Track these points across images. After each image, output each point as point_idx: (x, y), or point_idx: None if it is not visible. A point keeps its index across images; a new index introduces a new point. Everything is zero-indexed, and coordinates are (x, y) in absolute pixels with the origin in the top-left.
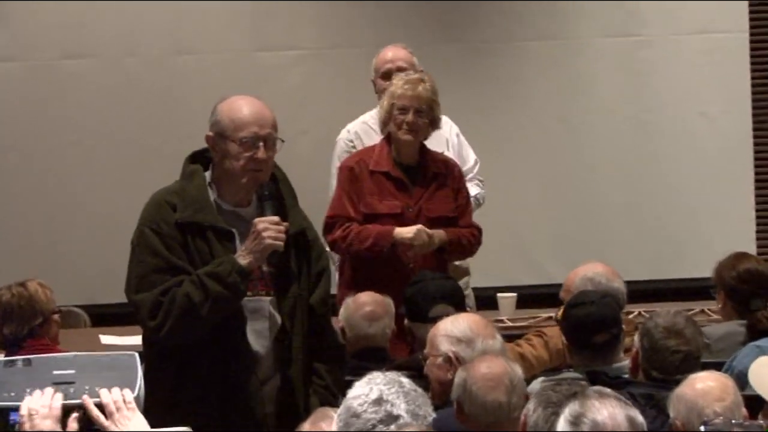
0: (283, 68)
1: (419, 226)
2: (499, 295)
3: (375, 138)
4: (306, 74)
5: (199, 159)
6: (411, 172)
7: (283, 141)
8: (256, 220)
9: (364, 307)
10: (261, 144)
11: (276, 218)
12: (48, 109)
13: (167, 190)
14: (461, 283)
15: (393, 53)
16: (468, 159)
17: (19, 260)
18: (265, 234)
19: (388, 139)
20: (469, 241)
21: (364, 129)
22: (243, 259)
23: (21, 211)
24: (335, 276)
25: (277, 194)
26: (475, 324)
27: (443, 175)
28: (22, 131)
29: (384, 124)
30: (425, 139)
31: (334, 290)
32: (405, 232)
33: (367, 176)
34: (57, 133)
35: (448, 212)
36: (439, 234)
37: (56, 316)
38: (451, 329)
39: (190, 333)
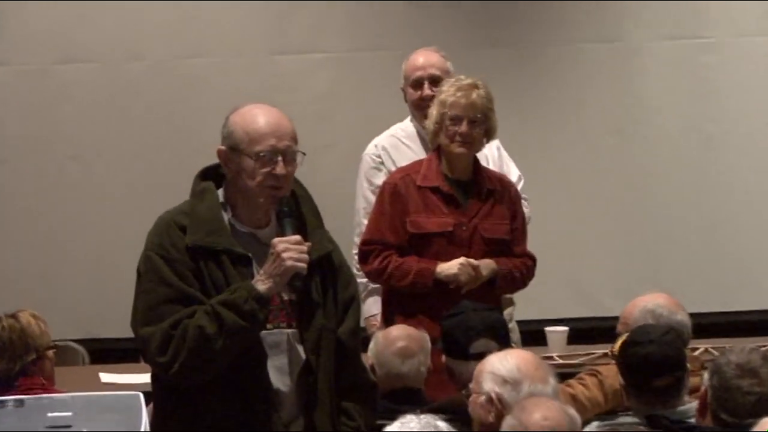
0: (305, 73)
1: (462, 259)
2: (547, 329)
3: (405, 152)
4: (331, 80)
5: (211, 175)
6: (463, 187)
7: (304, 154)
8: (275, 240)
9: (396, 343)
10: (279, 158)
11: (297, 237)
12: (42, 120)
13: (176, 211)
14: (504, 314)
15: (425, 58)
16: (510, 175)
17: (8, 290)
18: (285, 255)
19: (438, 151)
20: (522, 274)
21: (392, 143)
22: (261, 284)
23: (11, 235)
24: (365, 305)
25: (297, 213)
26: (526, 364)
27: (499, 193)
28: (13, 144)
29: (434, 135)
30: (479, 151)
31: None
32: (448, 268)
33: (413, 193)
34: (52, 146)
35: (504, 234)
36: (487, 266)
37: (51, 352)
38: (498, 367)
39: (205, 369)
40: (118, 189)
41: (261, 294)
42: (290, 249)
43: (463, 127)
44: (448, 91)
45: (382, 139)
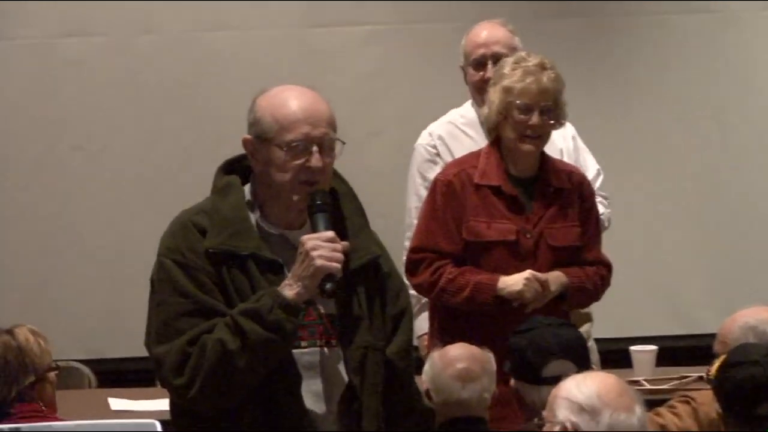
0: (347, 49)
1: (528, 273)
2: (633, 348)
3: (465, 142)
4: (377, 57)
5: (235, 169)
6: (527, 186)
7: (344, 143)
8: (304, 237)
9: (456, 364)
10: (315, 148)
11: (329, 233)
12: (39, 104)
13: (195, 210)
14: (581, 332)
15: (488, 33)
16: (587, 168)
17: (2, 302)
18: (315, 254)
19: (497, 143)
20: (596, 285)
21: (450, 131)
22: (289, 289)
23: (3, 238)
24: (418, 321)
25: (338, 212)
26: (607, 390)
27: (568, 191)
28: (5, 132)
29: (494, 126)
30: (549, 139)
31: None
32: (512, 283)
33: (471, 192)
34: (52, 134)
35: (575, 241)
36: (556, 280)
37: (53, 375)
38: (575, 392)
39: (228, 392)
40: (128, 185)
41: (288, 301)
42: (321, 246)
43: (535, 119)
44: (512, 76)
45: (437, 127)
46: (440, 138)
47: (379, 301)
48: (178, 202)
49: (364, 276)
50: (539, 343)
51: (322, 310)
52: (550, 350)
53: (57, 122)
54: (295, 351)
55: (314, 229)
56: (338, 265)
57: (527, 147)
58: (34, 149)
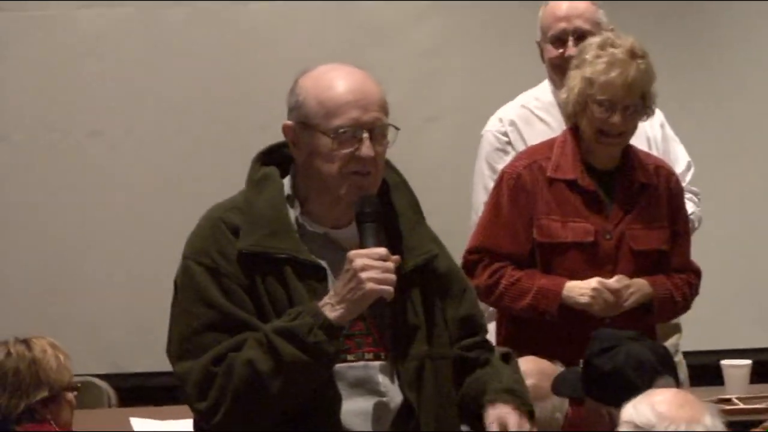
0: (403, 24)
1: (595, 282)
2: (724, 362)
3: (540, 129)
4: (437, 32)
5: (274, 159)
6: (608, 180)
7: (398, 129)
8: (352, 253)
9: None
10: (365, 135)
11: (381, 251)
12: (54, 84)
13: (226, 206)
14: (668, 345)
15: (569, 5)
16: (677, 161)
17: (10, 309)
18: (364, 275)
19: (574, 130)
20: (685, 296)
21: (523, 116)
22: (331, 309)
23: (14, 237)
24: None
25: (390, 206)
26: (667, 404)
27: (654, 187)
28: (17, 116)
29: (572, 115)
30: (633, 134)
31: None
32: (579, 293)
33: (542, 187)
34: (68, 119)
35: (661, 244)
36: (640, 290)
37: (71, 395)
38: (633, 414)
39: (257, 419)
40: (152, 176)
41: (331, 322)
42: (372, 267)
43: (617, 117)
44: (595, 65)
45: (509, 112)
46: (512, 124)
47: (439, 305)
48: (209, 196)
49: (420, 278)
50: (641, 361)
51: (371, 320)
52: (655, 367)
53: (73, 105)
54: (339, 366)
55: (362, 242)
56: (390, 289)
57: (607, 148)
58: (47, 135)
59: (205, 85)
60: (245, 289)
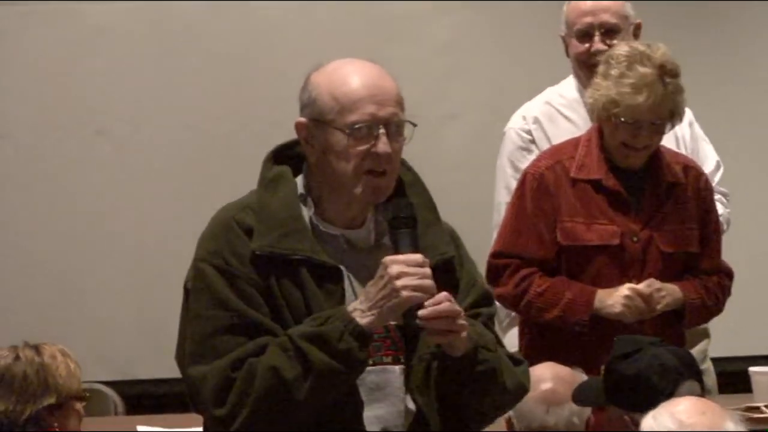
0: (421, 18)
1: (626, 290)
2: (752, 369)
3: (565, 127)
4: (456, 27)
5: (286, 157)
6: (634, 180)
7: (414, 125)
8: (388, 259)
9: (540, 385)
10: (381, 131)
11: (417, 257)
12: (61, 80)
13: (238, 206)
14: (696, 351)
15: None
16: (705, 160)
17: (13, 314)
18: (400, 283)
19: (599, 130)
20: (717, 300)
21: (547, 113)
22: (361, 315)
23: (17, 240)
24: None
25: (400, 199)
26: (687, 412)
27: (683, 187)
28: (20, 114)
29: (596, 120)
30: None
31: None
32: (611, 303)
33: (567, 188)
34: (74, 117)
35: (691, 246)
36: (671, 295)
37: (80, 405)
38: (652, 423)
39: (278, 427)
40: (162, 176)
41: (362, 329)
42: (407, 274)
43: (643, 136)
44: (621, 85)
45: (533, 109)
46: (536, 121)
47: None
48: (219, 197)
49: (434, 280)
50: (665, 365)
51: (391, 322)
52: (679, 371)
53: (78, 102)
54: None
55: (396, 249)
56: (427, 296)
57: (631, 160)
58: (51, 134)
59: (215, 82)
60: (260, 291)
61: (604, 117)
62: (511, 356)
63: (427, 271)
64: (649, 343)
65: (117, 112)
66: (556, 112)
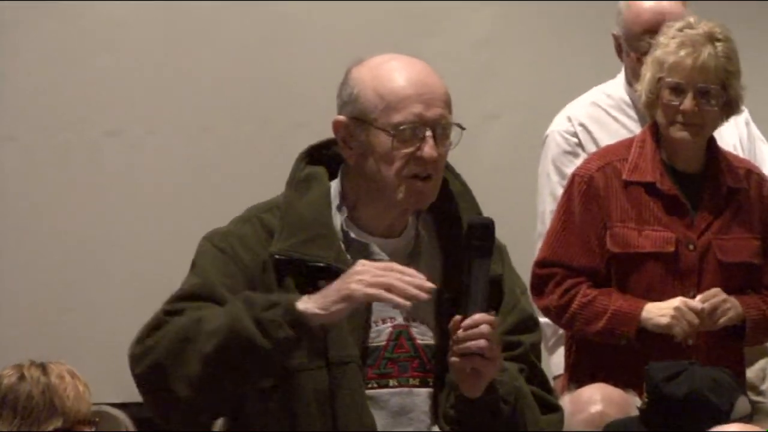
0: (455, 12)
1: (677, 302)
2: None
3: (614, 130)
4: (494, 21)
5: (321, 158)
6: (692, 184)
7: (463, 129)
8: (362, 261)
9: (589, 408)
10: (428, 133)
11: (387, 264)
12: (68, 79)
13: (266, 206)
14: (756, 369)
15: (654, 6)
16: (764, 162)
17: (14, 330)
18: (356, 277)
19: (654, 128)
20: None
21: (594, 115)
22: (305, 301)
23: (18, 248)
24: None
25: (448, 211)
26: None
27: (745, 193)
28: (25, 114)
29: (648, 107)
30: (712, 132)
31: None
32: (658, 314)
33: (618, 192)
34: (82, 117)
35: (753, 257)
36: (733, 309)
37: (89, 429)
38: None
39: (178, 383)
40: (175, 180)
41: (295, 306)
42: (368, 271)
43: (687, 103)
44: (667, 46)
45: (578, 109)
46: (582, 124)
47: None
48: (239, 202)
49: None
50: (717, 381)
51: (419, 341)
52: (733, 386)
53: (88, 101)
54: (380, 392)
55: (469, 282)
56: (382, 293)
57: (680, 134)
58: (59, 135)
59: (235, 80)
60: (255, 287)
61: (653, 95)
62: (546, 402)
63: (402, 276)
64: (689, 363)
65: (129, 112)
66: (605, 114)
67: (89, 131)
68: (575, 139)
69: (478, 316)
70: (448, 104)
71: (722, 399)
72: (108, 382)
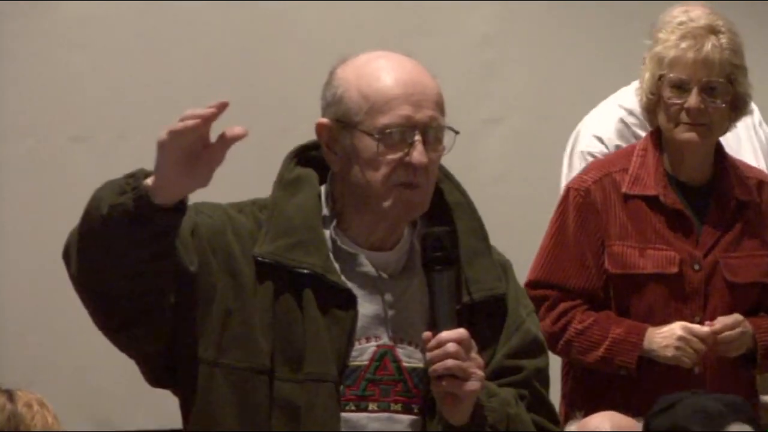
0: (454, 9)
1: (680, 330)
2: None
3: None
4: (495, 18)
5: (312, 159)
6: (698, 197)
7: (457, 133)
8: None
9: None
10: (417, 138)
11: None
12: (31, 79)
13: (262, 202)
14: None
15: (686, 17)
16: None
17: None
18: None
19: (656, 136)
20: None
21: (625, 135)
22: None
23: None
24: None
25: (444, 224)
26: None
27: (756, 207)
28: None
29: (649, 110)
30: (721, 135)
31: None
32: (662, 344)
33: (617, 206)
34: (47, 121)
35: (763, 276)
36: (740, 337)
37: None
38: None
39: (74, 268)
40: None
41: (143, 182)
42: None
43: (692, 100)
44: (666, 40)
45: (608, 130)
46: (618, 147)
47: (492, 347)
48: None
49: (478, 318)
50: (708, 411)
51: (405, 363)
52: (723, 414)
53: (52, 105)
54: (358, 415)
55: (432, 298)
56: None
57: (686, 136)
58: (20, 143)
59: (214, 81)
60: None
61: (654, 98)
62: None
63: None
64: (691, 393)
65: (97, 115)
66: (631, 135)
67: (54, 137)
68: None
69: (444, 335)
70: (440, 106)
71: (708, 427)
72: (79, 410)
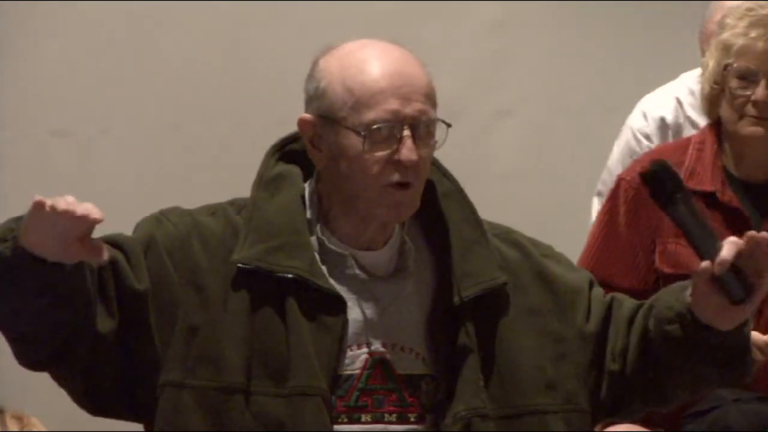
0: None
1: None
2: None
3: (688, 134)
4: (508, 3)
5: (294, 153)
6: (757, 195)
7: (449, 125)
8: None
9: None
10: (406, 133)
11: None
12: (10, 71)
13: (242, 202)
14: None
15: (754, 3)
16: None
17: None
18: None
19: (716, 128)
20: None
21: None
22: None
23: None
24: None
25: (431, 213)
26: None
27: None
28: None
29: (710, 102)
30: None
31: None
32: None
33: None
34: (26, 115)
35: None
36: None
37: None
38: None
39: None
40: (133, 186)
41: (16, 231)
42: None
43: (760, 92)
44: (734, 27)
45: (659, 106)
46: (662, 126)
47: (513, 345)
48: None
49: (478, 312)
50: (730, 428)
51: (399, 371)
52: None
53: (32, 97)
54: (351, 427)
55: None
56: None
57: (751, 129)
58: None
59: (204, 73)
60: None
61: (718, 86)
62: None
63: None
64: (734, 399)
65: (79, 109)
66: (682, 114)
67: (33, 130)
68: (648, 142)
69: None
70: (430, 98)
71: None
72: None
